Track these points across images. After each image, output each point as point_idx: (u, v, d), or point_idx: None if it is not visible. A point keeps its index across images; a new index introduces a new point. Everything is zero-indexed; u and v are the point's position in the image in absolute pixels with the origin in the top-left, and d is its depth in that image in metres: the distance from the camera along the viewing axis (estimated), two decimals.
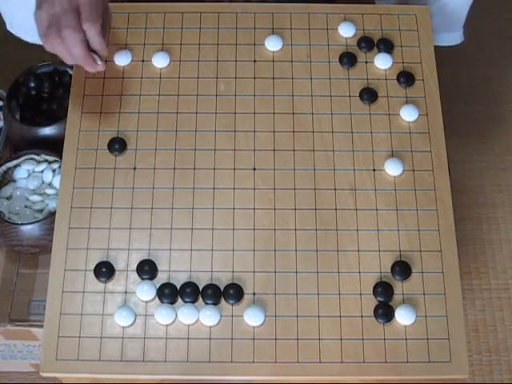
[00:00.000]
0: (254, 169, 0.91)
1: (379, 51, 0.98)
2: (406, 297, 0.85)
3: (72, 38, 0.85)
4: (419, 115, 0.94)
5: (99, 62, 0.88)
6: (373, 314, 0.84)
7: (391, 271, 0.86)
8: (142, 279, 0.85)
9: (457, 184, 1.37)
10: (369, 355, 0.82)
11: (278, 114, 0.94)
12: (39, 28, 0.87)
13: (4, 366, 1.21)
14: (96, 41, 0.86)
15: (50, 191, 1.07)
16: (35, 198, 1.05)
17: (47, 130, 1.08)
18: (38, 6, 0.87)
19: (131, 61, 0.97)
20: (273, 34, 0.99)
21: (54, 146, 1.06)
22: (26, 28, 1.10)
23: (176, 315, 0.83)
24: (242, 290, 0.84)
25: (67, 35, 0.85)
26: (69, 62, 0.87)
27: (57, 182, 1.07)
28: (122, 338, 0.83)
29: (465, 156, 1.47)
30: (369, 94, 0.95)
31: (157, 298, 0.84)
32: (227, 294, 0.84)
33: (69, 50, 0.86)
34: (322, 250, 0.86)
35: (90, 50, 0.87)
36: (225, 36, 0.99)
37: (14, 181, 1.08)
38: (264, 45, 0.98)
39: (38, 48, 1.13)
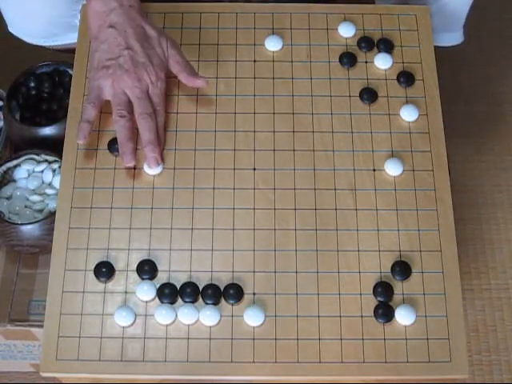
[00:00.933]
0: (254, 169, 0.91)
1: (379, 51, 0.98)
2: (405, 297, 0.85)
3: (147, 123, 0.88)
4: (419, 115, 0.94)
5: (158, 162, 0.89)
6: (373, 314, 0.84)
7: (391, 271, 0.86)
8: (142, 279, 0.85)
9: (457, 184, 1.36)
10: (369, 355, 0.82)
11: (278, 114, 0.94)
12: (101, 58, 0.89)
13: (4, 366, 1.21)
14: (162, 135, 0.90)
15: (49, 191, 1.07)
16: (35, 197, 1.05)
17: (47, 130, 1.08)
18: (100, 69, 0.89)
19: None
20: (273, 34, 0.99)
21: (54, 146, 1.06)
22: (25, 29, 1.10)
23: (176, 315, 0.83)
24: (241, 290, 0.84)
25: (142, 120, 0.88)
26: (123, 142, 0.88)
27: (57, 182, 1.07)
28: (122, 337, 0.83)
29: (465, 156, 1.47)
30: (369, 94, 0.95)
31: (157, 298, 0.84)
32: (227, 293, 0.84)
33: (144, 133, 0.88)
34: (322, 249, 0.86)
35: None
36: (225, 36, 0.99)
37: (14, 181, 1.08)
38: (264, 45, 0.98)
39: (38, 48, 1.13)
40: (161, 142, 0.90)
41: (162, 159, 0.90)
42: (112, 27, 0.90)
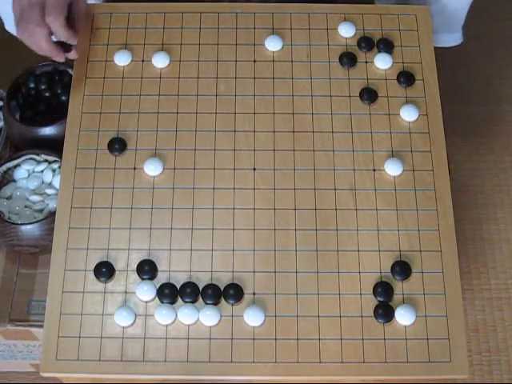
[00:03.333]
0: (254, 169, 0.91)
1: (379, 51, 0.98)
2: (405, 297, 0.85)
3: (37, 33, 0.90)
4: (419, 115, 0.94)
5: (66, 53, 0.93)
6: (373, 314, 0.84)
7: (391, 271, 0.86)
8: (142, 279, 0.85)
9: (457, 184, 1.36)
10: (369, 355, 0.82)
11: (278, 114, 0.94)
12: (14, 20, 0.93)
13: (4, 366, 1.21)
14: (61, 33, 0.91)
15: (50, 191, 1.07)
16: (35, 197, 1.05)
17: (47, 130, 1.08)
18: None
19: (131, 61, 0.97)
20: (273, 34, 0.99)
21: (54, 146, 1.06)
22: None
23: (176, 315, 0.83)
24: (241, 290, 0.84)
25: (32, 30, 0.90)
26: (39, 53, 0.92)
27: (57, 182, 1.07)
28: (122, 337, 0.83)
29: (465, 156, 1.47)
30: (369, 94, 0.95)
31: (157, 298, 0.84)
32: (227, 294, 0.84)
33: (36, 43, 0.91)
34: (322, 250, 0.86)
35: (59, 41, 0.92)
36: (225, 36, 0.99)
37: (14, 181, 1.08)
38: (264, 45, 0.98)
39: None
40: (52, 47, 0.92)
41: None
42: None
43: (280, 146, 0.92)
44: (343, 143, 0.92)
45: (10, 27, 1.11)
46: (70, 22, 0.92)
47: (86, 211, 0.88)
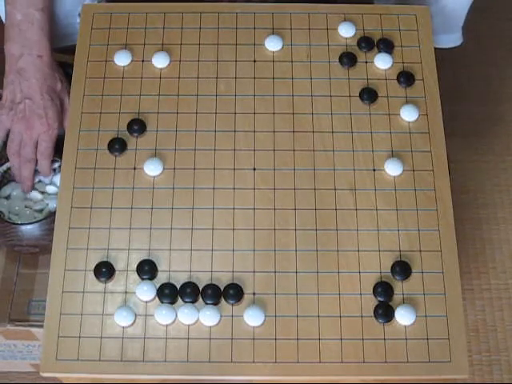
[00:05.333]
0: (254, 169, 0.91)
1: (379, 51, 0.98)
2: (406, 297, 0.85)
3: (26, 167, 1.01)
4: (419, 115, 0.94)
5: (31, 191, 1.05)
6: (373, 314, 0.84)
7: (391, 271, 0.86)
8: (142, 279, 0.85)
9: (457, 184, 1.36)
10: (369, 355, 0.82)
11: (278, 114, 0.94)
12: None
13: (4, 366, 1.21)
14: (45, 172, 1.03)
15: (50, 191, 1.07)
16: (35, 195, 1.05)
17: None
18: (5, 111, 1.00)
19: (131, 61, 0.97)
20: (273, 34, 0.99)
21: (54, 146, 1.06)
22: None
23: (176, 315, 0.83)
24: (241, 290, 0.84)
25: (23, 164, 1.01)
26: (16, 175, 1.04)
27: (57, 182, 1.06)
28: (122, 337, 0.83)
29: (465, 156, 1.47)
30: (369, 94, 0.95)
31: (157, 298, 0.84)
32: (227, 294, 0.84)
33: (19, 171, 1.02)
34: (322, 249, 0.86)
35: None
36: (225, 36, 0.99)
37: (14, 181, 1.08)
38: (264, 45, 0.98)
39: None
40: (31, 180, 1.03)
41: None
42: (18, 73, 0.98)
43: (280, 146, 0.92)
44: (343, 143, 0.92)
45: None
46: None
47: (86, 211, 0.88)
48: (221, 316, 0.83)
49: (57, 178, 1.07)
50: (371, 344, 0.82)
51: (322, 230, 0.87)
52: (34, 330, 1.04)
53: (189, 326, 0.83)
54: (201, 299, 0.84)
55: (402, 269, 0.85)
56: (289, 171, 0.90)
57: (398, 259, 0.86)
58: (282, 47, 0.98)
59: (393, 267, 0.86)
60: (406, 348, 0.82)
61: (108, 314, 0.84)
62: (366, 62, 0.97)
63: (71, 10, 1.06)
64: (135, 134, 0.92)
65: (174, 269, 0.86)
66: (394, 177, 0.90)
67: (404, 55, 0.98)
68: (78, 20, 1.03)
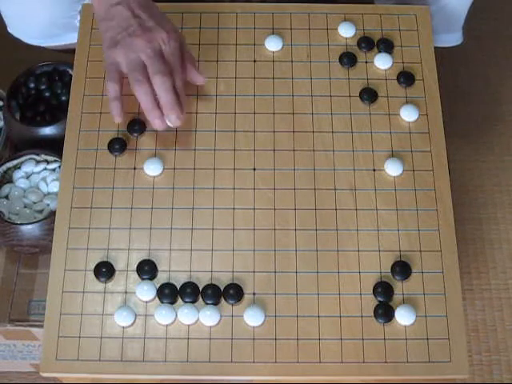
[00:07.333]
0: (254, 169, 0.91)
1: (379, 51, 0.98)
2: (406, 297, 0.85)
3: (163, 83, 0.85)
4: (419, 115, 0.94)
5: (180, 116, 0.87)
6: (373, 314, 0.84)
7: (391, 271, 0.86)
8: (142, 279, 0.85)
9: (457, 184, 1.36)
10: (369, 355, 0.82)
11: (277, 114, 0.94)
12: (117, 65, 0.88)
13: (4, 366, 1.21)
14: (182, 94, 0.87)
15: (49, 191, 1.07)
16: (34, 197, 1.05)
17: (47, 130, 1.08)
18: (112, 46, 0.88)
19: None
20: (273, 34, 0.99)
21: (53, 146, 1.06)
22: (25, 30, 1.10)
23: (176, 315, 0.83)
24: (241, 290, 0.84)
25: (157, 80, 0.85)
26: (148, 109, 0.86)
27: (56, 182, 1.07)
28: (122, 337, 0.83)
29: (465, 156, 1.47)
30: (369, 94, 0.95)
31: (157, 298, 0.84)
32: (227, 294, 0.84)
33: (153, 95, 0.86)
34: (322, 249, 0.87)
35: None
36: (225, 36, 0.99)
37: (14, 181, 1.08)
38: (264, 45, 0.98)
39: (38, 48, 1.13)
40: (181, 103, 0.87)
41: (183, 119, 0.88)
42: (118, 4, 0.89)
43: (280, 145, 0.92)
44: (343, 143, 0.92)
45: (13, 29, 1.11)
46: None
47: (86, 211, 0.88)
48: (221, 316, 0.83)
49: (56, 179, 1.07)
50: (371, 344, 0.83)
51: (322, 230, 0.87)
52: (34, 329, 1.04)
53: (189, 326, 0.83)
54: (201, 299, 0.84)
55: (402, 269, 0.85)
56: (289, 171, 0.90)
57: (398, 259, 0.86)
58: (282, 47, 0.98)
59: (393, 267, 0.86)
60: (406, 348, 0.82)
61: (108, 314, 0.84)
62: (366, 62, 0.97)
63: (71, 9, 1.05)
64: (135, 134, 0.92)
65: (174, 269, 0.86)
66: (394, 177, 0.90)
67: (404, 55, 0.98)
68: (78, 19, 1.03)
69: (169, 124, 0.87)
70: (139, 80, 0.85)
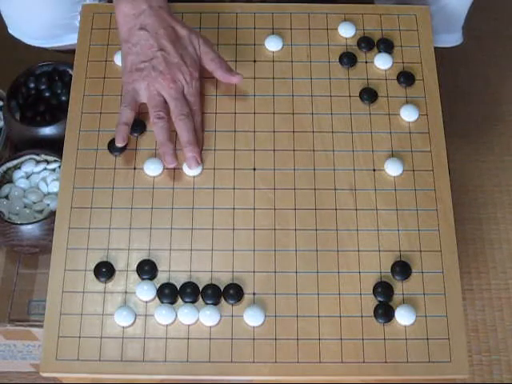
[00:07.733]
0: (254, 169, 0.91)
1: (379, 51, 0.98)
2: (406, 297, 0.85)
3: (184, 124, 0.88)
4: (419, 115, 0.94)
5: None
6: (373, 314, 0.84)
7: (391, 271, 0.86)
8: (142, 279, 0.85)
9: (457, 184, 1.36)
10: (369, 355, 0.82)
11: (278, 114, 0.94)
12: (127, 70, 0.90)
13: (4, 366, 1.21)
14: (199, 133, 0.90)
15: (49, 191, 1.07)
16: (34, 197, 1.05)
17: (47, 130, 1.08)
18: (134, 72, 0.89)
19: None
20: (273, 34, 0.99)
21: (53, 146, 1.06)
22: (26, 31, 1.10)
23: (176, 315, 0.83)
24: (241, 290, 0.84)
25: (180, 122, 0.88)
26: (163, 143, 0.89)
27: (56, 182, 1.07)
28: (122, 337, 0.83)
29: (465, 156, 1.47)
30: (369, 94, 0.95)
31: (157, 298, 0.84)
32: (227, 294, 0.84)
33: (169, 130, 0.89)
34: (322, 249, 0.86)
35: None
36: (225, 36, 0.99)
37: (14, 181, 1.08)
38: (264, 45, 0.98)
39: (38, 48, 1.13)
40: (199, 142, 0.90)
41: (201, 159, 0.90)
42: (143, 29, 0.90)
43: (280, 146, 0.92)
44: (343, 143, 0.92)
45: (14, 30, 1.11)
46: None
47: (86, 211, 0.88)
48: (221, 316, 0.83)
49: (56, 179, 1.07)
50: (371, 344, 0.83)
51: (322, 230, 0.87)
52: (34, 329, 1.04)
53: (189, 326, 0.83)
54: (201, 299, 0.84)
55: (402, 269, 0.85)
56: (289, 171, 0.90)
57: (398, 259, 0.86)
58: (282, 47, 0.98)
59: (393, 267, 0.86)
60: (406, 348, 0.82)
61: (108, 314, 0.84)
62: (366, 62, 0.97)
63: (71, 10, 1.05)
64: (135, 134, 0.92)
65: (174, 269, 0.86)
66: (394, 177, 0.90)
67: (404, 55, 0.98)
68: (78, 20, 1.03)
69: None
70: (161, 117, 0.89)
